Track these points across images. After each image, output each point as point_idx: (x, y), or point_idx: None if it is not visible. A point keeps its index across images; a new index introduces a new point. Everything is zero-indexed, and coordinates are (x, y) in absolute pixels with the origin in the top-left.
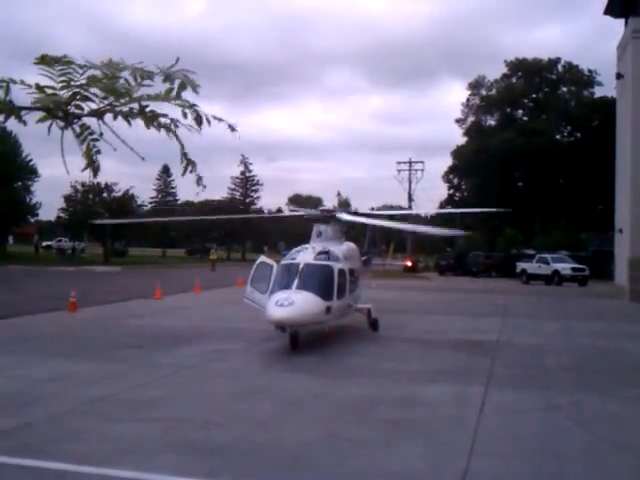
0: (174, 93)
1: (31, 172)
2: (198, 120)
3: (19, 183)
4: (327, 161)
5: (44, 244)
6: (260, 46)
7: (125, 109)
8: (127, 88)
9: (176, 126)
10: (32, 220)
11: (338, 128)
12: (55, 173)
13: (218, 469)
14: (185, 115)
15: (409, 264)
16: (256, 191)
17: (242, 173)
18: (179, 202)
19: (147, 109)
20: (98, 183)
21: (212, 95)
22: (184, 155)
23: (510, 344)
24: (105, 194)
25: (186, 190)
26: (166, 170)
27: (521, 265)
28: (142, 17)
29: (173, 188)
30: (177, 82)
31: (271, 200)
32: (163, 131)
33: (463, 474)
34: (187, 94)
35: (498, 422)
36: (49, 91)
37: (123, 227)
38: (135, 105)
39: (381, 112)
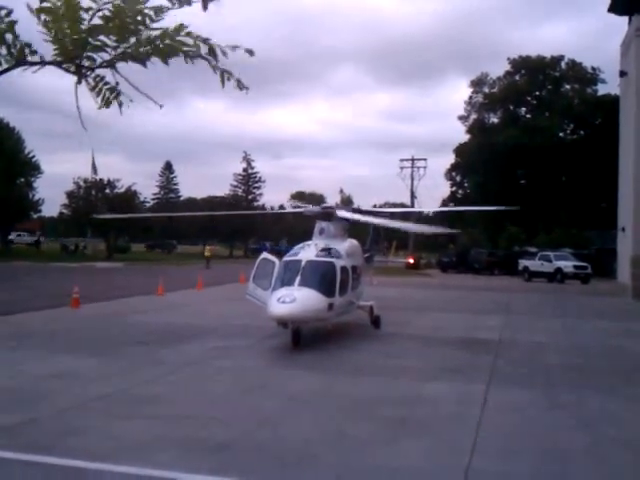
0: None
1: (34, 168)
2: (212, 52)
3: (22, 179)
4: (331, 158)
5: (9, 238)
6: (265, 43)
7: (142, 50)
8: (140, 24)
9: (197, 50)
10: (35, 216)
11: (343, 126)
12: (58, 169)
13: (221, 466)
14: (199, 49)
15: (411, 261)
16: (258, 188)
17: (244, 170)
18: (181, 198)
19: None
20: (101, 179)
21: (217, 92)
22: (215, 68)
23: (512, 342)
24: (108, 190)
25: (188, 186)
26: (169, 167)
27: (523, 262)
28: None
29: (175, 185)
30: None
31: (274, 197)
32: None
33: (465, 472)
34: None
35: (500, 420)
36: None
37: (125, 223)
38: (148, 48)
39: (386, 110)
